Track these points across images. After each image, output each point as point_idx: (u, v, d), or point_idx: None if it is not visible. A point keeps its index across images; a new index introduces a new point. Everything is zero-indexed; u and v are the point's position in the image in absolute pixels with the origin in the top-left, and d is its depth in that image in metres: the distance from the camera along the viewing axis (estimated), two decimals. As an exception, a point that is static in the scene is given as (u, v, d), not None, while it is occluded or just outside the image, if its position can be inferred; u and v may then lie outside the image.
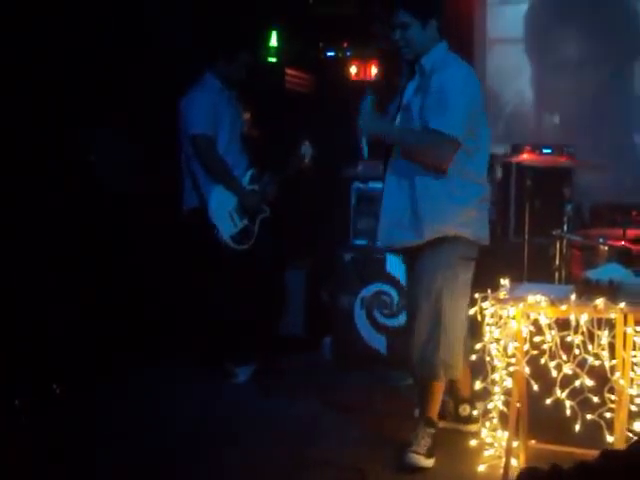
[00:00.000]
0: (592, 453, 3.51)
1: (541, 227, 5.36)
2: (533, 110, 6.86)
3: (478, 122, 3.95)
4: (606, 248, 4.63)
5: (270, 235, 5.31)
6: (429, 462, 3.90)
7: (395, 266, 5.43)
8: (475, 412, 4.12)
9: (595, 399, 3.46)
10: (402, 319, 5.40)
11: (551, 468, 2.30)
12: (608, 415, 3.45)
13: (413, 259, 4.05)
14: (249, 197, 5.20)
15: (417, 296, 3.98)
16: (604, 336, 3.42)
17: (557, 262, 5.07)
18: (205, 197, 5.12)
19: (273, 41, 6.31)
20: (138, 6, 5.46)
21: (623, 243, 4.69)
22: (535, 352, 3.56)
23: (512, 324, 3.59)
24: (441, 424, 4.15)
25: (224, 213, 5.13)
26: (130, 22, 5.45)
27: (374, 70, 6.43)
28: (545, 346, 3.51)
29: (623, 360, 3.45)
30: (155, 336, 5.41)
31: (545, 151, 5.40)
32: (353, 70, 6.43)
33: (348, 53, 6.46)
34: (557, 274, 5.07)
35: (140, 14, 5.46)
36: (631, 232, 4.79)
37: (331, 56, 6.48)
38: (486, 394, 3.79)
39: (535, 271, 5.17)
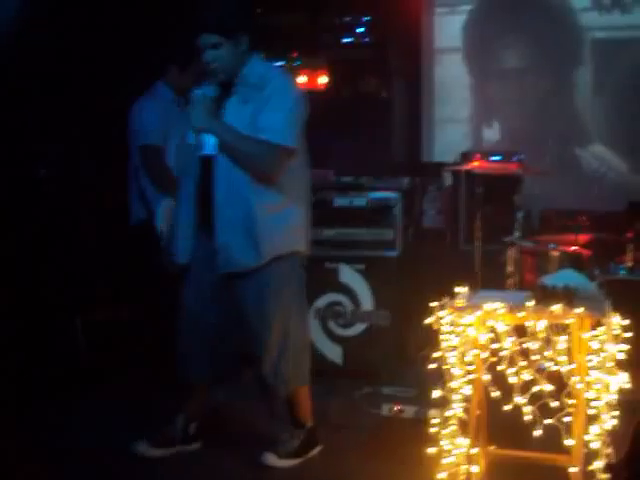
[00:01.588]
0: (551, 457, 3.59)
1: (492, 234, 5.40)
2: (476, 120, 6.92)
3: (301, 138, 4.03)
4: (558, 254, 4.69)
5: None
6: (289, 463, 4.07)
7: (349, 276, 5.44)
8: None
9: (554, 404, 3.48)
10: (357, 329, 5.44)
11: None
12: (567, 419, 3.48)
13: (245, 279, 3.99)
14: None
15: (264, 315, 4.01)
16: (561, 341, 3.45)
17: (509, 269, 5.11)
18: (152, 210, 5.06)
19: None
20: (87, 18, 5.41)
21: (574, 248, 4.76)
22: (493, 359, 3.57)
23: (470, 331, 3.61)
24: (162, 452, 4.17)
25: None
26: (79, 33, 5.40)
27: (323, 80, 6.44)
28: (503, 352, 3.53)
29: (580, 364, 3.48)
30: (107, 352, 5.35)
31: (494, 159, 5.45)
32: (302, 80, 6.43)
33: (297, 63, 6.46)
34: (510, 281, 5.11)
35: (90, 25, 5.41)
36: (581, 237, 4.86)
37: (280, 66, 6.47)
38: (444, 402, 3.79)
39: (487, 278, 5.20)
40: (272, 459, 4.07)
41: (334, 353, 5.45)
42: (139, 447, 4.11)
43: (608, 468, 3.04)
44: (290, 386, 4.14)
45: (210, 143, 3.95)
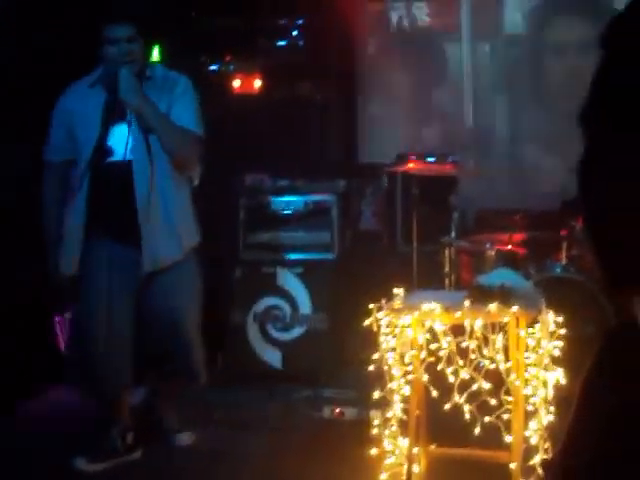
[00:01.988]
0: (492, 454, 3.62)
1: (429, 235, 5.44)
2: (413, 121, 6.95)
3: None
4: (494, 253, 4.73)
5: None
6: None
7: (287, 279, 5.43)
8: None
9: (492, 401, 3.51)
10: (296, 332, 5.43)
11: None
12: (505, 416, 3.51)
13: (165, 274, 4.03)
14: None
15: (184, 310, 4.09)
16: (498, 339, 3.48)
17: (446, 269, 5.14)
18: None
19: (155, 55, 6.21)
20: (29, 21, 5.32)
21: (510, 247, 4.81)
22: (432, 359, 3.59)
23: (408, 332, 3.62)
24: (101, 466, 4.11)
25: None
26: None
27: (257, 83, 6.41)
28: (441, 352, 3.55)
29: (517, 362, 3.51)
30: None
31: (429, 160, 5.48)
32: (236, 84, 6.40)
33: (231, 67, 6.42)
34: (447, 280, 5.15)
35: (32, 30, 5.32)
36: (516, 236, 4.91)
37: (214, 70, 6.43)
38: (385, 403, 3.80)
39: (425, 279, 5.23)
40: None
41: (273, 357, 5.43)
42: (77, 463, 4.03)
43: (543, 464, 3.08)
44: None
45: (121, 150, 3.92)
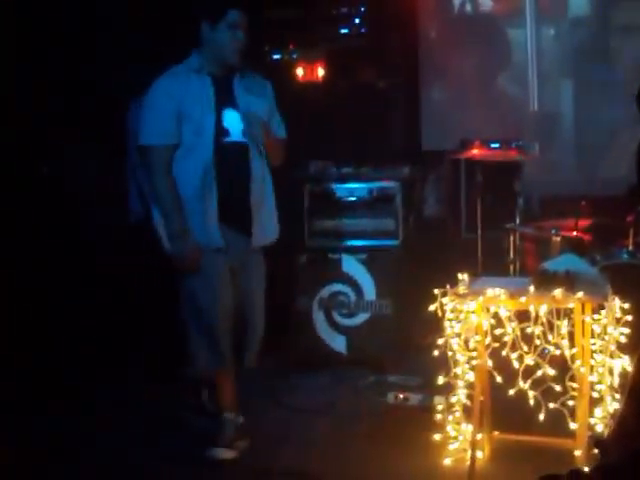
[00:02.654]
0: (556, 441, 3.62)
1: (493, 221, 5.42)
2: (476, 106, 6.91)
3: None
4: (559, 239, 4.69)
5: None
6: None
7: (352, 266, 5.46)
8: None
9: (557, 388, 3.51)
10: (361, 318, 5.46)
11: (569, 472, 2.35)
12: (570, 403, 3.51)
13: (257, 256, 4.19)
14: None
15: (259, 293, 4.23)
16: (563, 325, 3.47)
17: (511, 255, 5.12)
18: (150, 207, 5.02)
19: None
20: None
21: (575, 233, 4.77)
22: (496, 344, 3.60)
23: (472, 318, 3.63)
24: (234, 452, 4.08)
25: None
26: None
27: (320, 71, 6.45)
28: (506, 338, 3.55)
29: (583, 348, 3.50)
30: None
31: (493, 145, 5.44)
32: (300, 72, 6.45)
33: (294, 55, 6.47)
34: (512, 267, 5.13)
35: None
36: (582, 222, 4.87)
37: (277, 59, 6.48)
38: (449, 388, 3.82)
39: (489, 265, 5.22)
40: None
41: (338, 342, 5.47)
42: (213, 453, 4.00)
43: (597, 444, 3.06)
44: None
45: (237, 130, 4.01)
